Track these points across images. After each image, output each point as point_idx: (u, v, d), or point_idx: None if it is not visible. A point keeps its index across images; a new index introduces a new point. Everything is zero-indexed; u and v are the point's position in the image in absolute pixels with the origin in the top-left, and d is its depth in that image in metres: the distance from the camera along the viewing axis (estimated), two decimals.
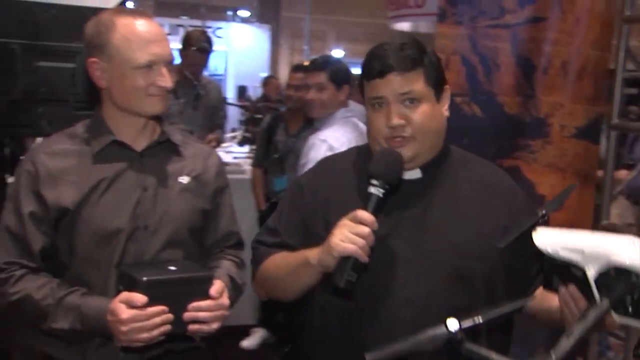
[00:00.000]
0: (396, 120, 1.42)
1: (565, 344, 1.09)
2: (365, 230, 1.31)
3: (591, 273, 1.15)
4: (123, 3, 2.41)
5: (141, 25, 1.55)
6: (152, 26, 1.57)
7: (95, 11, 2.25)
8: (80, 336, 1.50)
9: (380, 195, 1.36)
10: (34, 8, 2.23)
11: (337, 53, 17.18)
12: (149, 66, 1.54)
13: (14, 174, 1.64)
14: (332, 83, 2.98)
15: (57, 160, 1.57)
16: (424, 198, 1.48)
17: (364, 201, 1.37)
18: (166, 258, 1.59)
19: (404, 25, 10.29)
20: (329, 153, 2.64)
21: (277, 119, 3.88)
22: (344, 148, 2.17)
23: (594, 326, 1.13)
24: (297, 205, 1.61)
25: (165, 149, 1.67)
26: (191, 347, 1.62)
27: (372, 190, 1.37)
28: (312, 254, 1.41)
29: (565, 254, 1.19)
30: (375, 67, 1.45)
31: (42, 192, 1.54)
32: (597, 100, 2.83)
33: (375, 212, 1.35)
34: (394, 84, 1.43)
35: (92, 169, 1.58)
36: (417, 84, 1.44)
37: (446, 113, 1.52)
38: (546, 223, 1.36)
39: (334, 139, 2.81)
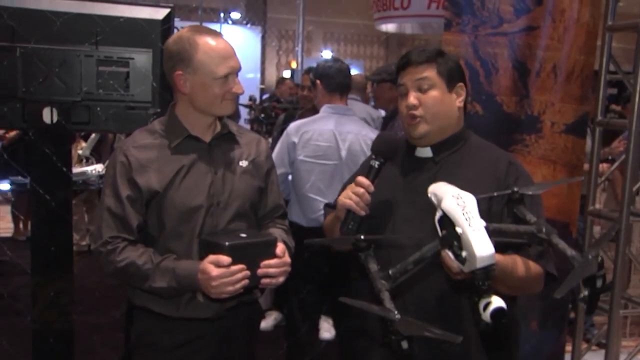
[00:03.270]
0: (412, 100, 1.80)
1: (400, 266, 1.39)
2: (361, 190, 1.70)
3: (437, 215, 1.44)
4: (170, 16, 2.68)
5: (219, 44, 1.88)
6: (226, 43, 1.91)
7: (150, 22, 2.62)
8: (174, 292, 1.84)
9: (376, 166, 1.76)
10: (97, 20, 2.52)
11: (327, 54, 17.53)
12: (226, 77, 1.87)
13: (108, 165, 1.97)
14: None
15: (144, 152, 1.91)
16: (430, 173, 1.83)
17: (367, 171, 1.76)
18: (234, 228, 1.93)
19: (390, 27, 10.64)
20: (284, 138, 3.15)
21: (291, 118, 4.20)
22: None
23: (425, 258, 1.40)
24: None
25: (226, 139, 2.00)
26: (254, 299, 2.01)
27: (371, 162, 1.77)
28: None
29: (433, 198, 1.50)
30: (401, 62, 1.86)
31: (135, 178, 1.87)
32: (583, 100, 3.19)
33: (373, 179, 1.74)
34: (411, 74, 1.82)
35: (172, 159, 1.91)
36: (429, 73, 1.81)
37: (459, 104, 1.88)
38: (521, 199, 1.61)
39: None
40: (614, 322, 3.11)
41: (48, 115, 2.52)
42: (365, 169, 1.78)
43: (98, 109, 2.59)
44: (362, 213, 1.70)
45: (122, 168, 1.89)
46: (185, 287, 1.83)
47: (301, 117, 3.90)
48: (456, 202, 1.37)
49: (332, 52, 17.31)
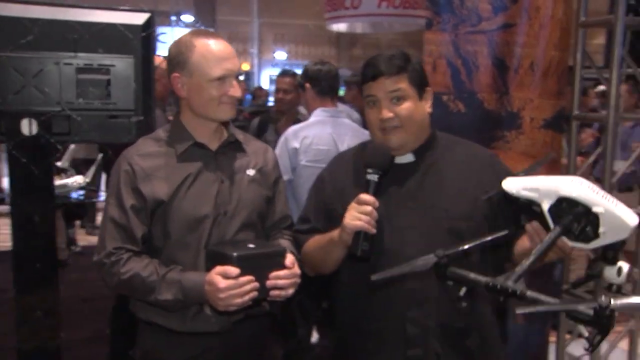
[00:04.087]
0: (385, 114, 1.77)
1: (526, 262, 1.38)
2: (368, 208, 1.65)
3: (545, 206, 1.44)
4: (151, 21, 2.60)
5: (215, 45, 1.83)
6: (224, 45, 1.85)
7: (130, 28, 2.54)
8: (181, 305, 1.78)
9: (376, 179, 1.71)
10: (76, 26, 2.43)
11: (280, 55, 17.49)
12: (222, 79, 1.82)
13: (111, 174, 1.89)
14: None
15: (149, 160, 1.84)
16: (417, 176, 1.82)
17: (365, 187, 1.71)
18: (241, 238, 1.87)
19: (341, 26, 10.68)
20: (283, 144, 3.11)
21: (265, 121, 4.14)
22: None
23: (549, 247, 1.42)
24: (320, 195, 1.95)
25: (233, 147, 1.95)
26: (263, 312, 1.94)
27: (369, 177, 1.72)
28: (335, 234, 1.75)
29: (525, 193, 1.49)
30: (369, 72, 1.81)
31: (140, 187, 1.81)
32: (560, 95, 3.25)
33: (375, 193, 1.69)
34: (384, 86, 1.78)
35: (177, 167, 1.85)
36: (402, 84, 1.79)
37: (429, 109, 1.87)
38: None
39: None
40: None
41: (27, 126, 2.41)
42: (363, 185, 1.73)
43: (79, 118, 2.49)
44: (374, 231, 1.66)
45: (126, 177, 1.83)
46: (192, 299, 1.77)
47: (285, 121, 3.86)
48: (581, 186, 1.41)
49: (285, 52, 17.29)
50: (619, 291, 1.48)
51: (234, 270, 1.70)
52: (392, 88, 1.77)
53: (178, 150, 1.87)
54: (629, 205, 1.47)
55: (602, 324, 1.16)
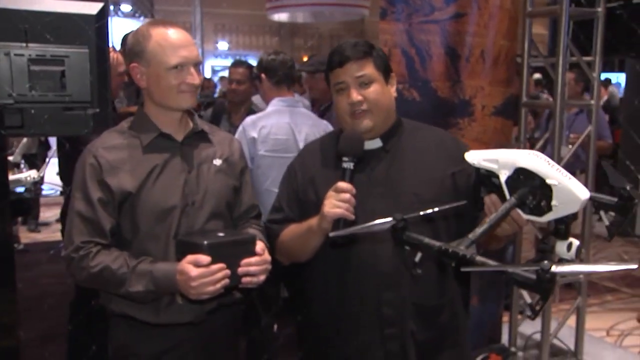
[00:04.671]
0: (355, 97, 1.80)
1: (479, 229, 1.40)
2: (346, 196, 1.69)
3: (503, 177, 1.49)
4: (104, 10, 2.54)
5: (172, 34, 1.81)
6: (181, 34, 1.83)
7: (83, 17, 2.48)
8: (152, 296, 1.76)
9: (351, 167, 1.74)
10: (28, 16, 2.35)
11: (222, 45, 17.29)
12: (179, 67, 1.80)
13: (76, 167, 1.85)
14: None
15: (114, 153, 1.82)
16: (385, 162, 1.87)
17: (340, 174, 1.74)
18: (211, 228, 1.87)
19: (282, 16, 10.66)
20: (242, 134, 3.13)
21: (219, 112, 4.11)
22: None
23: (503, 217, 1.47)
24: (292, 184, 1.97)
25: (199, 137, 1.93)
26: (235, 301, 1.94)
27: (345, 165, 1.75)
28: (313, 222, 1.77)
29: (485, 164, 1.54)
30: (336, 59, 1.84)
31: (106, 180, 1.78)
32: (509, 83, 3.35)
33: (350, 180, 1.73)
34: (351, 71, 1.81)
35: (143, 158, 1.83)
36: (369, 69, 1.82)
37: (394, 94, 1.92)
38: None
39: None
40: None
41: None
42: (339, 173, 1.75)
43: (32, 111, 2.40)
44: (353, 217, 1.68)
45: (92, 170, 1.79)
46: (164, 289, 1.75)
47: (240, 112, 3.83)
48: (537, 158, 1.43)
49: (227, 43, 17.11)
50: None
51: (205, 258, 1.68)
52: (359, 73, 1.81)
53: (143, 141, 1.84)
54: None
55: (543, 288, 1.16)
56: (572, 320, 3.64)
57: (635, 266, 1.25)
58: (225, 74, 7.90)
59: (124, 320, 1.85)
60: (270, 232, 1.99)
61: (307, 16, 10.87)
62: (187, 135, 1.91)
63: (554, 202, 1.41)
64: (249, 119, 3.21)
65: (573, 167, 4.82)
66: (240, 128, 3.18)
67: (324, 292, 1.91)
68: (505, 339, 3.69)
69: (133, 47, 1.83)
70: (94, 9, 2.54)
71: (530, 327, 3.67)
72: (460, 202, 1.61)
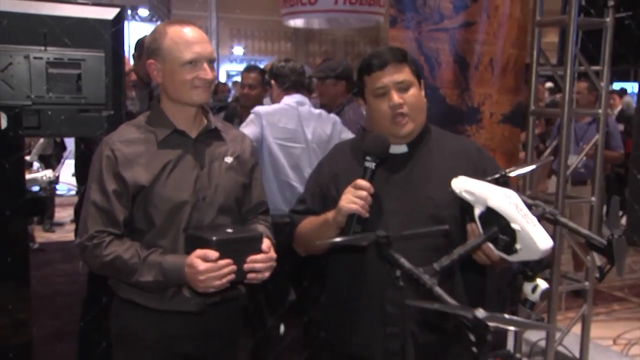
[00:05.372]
0: (397, 99, 1.84)
1: (445, 260, 1.45)
2: (364, 193, 1.73)
3: (477, 212, 1.53)
4: (121, 16, 2.62)
5: (187, 31, 1.89)
6: (195, 31, 1.91)
7: (100, 22, 2.55)
8: (161, 286, 1.84)
9: (373, 167, 1.79)
10: (47, 21, 2.43)
11: (238, 50, 17.42)
12: (193, 62, 1.87)
13: (93, 158, 1.93)
14: None
15: (130, 146, 1.89)
16: (407, 166, 1.91)
17: (362, 173, 1.78)
18: (219, 223, 1.94)
19: (298, 22, 10.74)
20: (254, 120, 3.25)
21: (231, 115, 4.18)
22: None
23: (471, 251, 1.50)
24: (318, 179, 2.04)
25: (212, 134, 2.00)
26: (238, 295, 2.02)
27: (367, 164, 1.79)
28: (329, 215, 1.82)
29: (465, 195, 1.57)
30: (376, 62, 1.88)
31: (122, 173, 1.85)
32: (517, 91, 3.39)
33: (370, 180, 1.77)
34: (392, 75, 1.85)
35: (158, 153, 1.90)
36: (407, 73, 1.87)
37: (424, 99, 1.95)
38: (505, 182, 1.71)
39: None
40: (554, 298, 3.32)
41: None
42: (360, 171, 1.79)
43: (49, 112, 2.49)
44: (367, 215, 1.73)
45: (108, 162, 1.87)
46: (172, 281, 1.82)
47: (245, 113, 3.91)
48: (508, 200, 1.45)
49: (242, 48, 17.22)
50: (532, 308, 1.54)
51: (213, 253, 1.75)
52: (399, 78, 1.85)
53: (159, 137, 1.91)
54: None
55: (478, 334, 1.23)
56: (578, 328, 3.66)
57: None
58: (239, 79, 8.03)
59: (129, 305, 1.92)
60: (291, 222, 2.05)
61: (322, 22, 10.95)
62: (201, 132, 1.97)
63: (517, 246, 1.43)
64: (260, 107, 3.32)
65: (584, 177, 4.84)
66: (252, 114, 3.27)
67: (334, 290, 1.97)
68: (510, 345, 3.71)
69: (150, 44, 1.91)
70: (110, 14, 2.63)
71: (536, 334, 3.70)
72: (444, 226, 1.68)
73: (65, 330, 3.74)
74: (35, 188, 3.69)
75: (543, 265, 1.48)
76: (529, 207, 1.53)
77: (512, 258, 1.46)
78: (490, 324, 1.24)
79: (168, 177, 1.88)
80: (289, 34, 18.47)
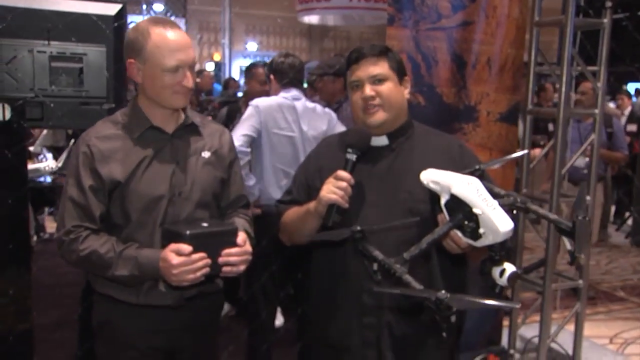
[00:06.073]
0: (368, 92, 1.92)
1: (414, 249, 1.52)
2: (344, 184, 1.80)
3: (442, 200, 1.58)
4: (123, 11, 2.70)
5: (171, 35, 1.89)
6: (179, 35, 1.91)
7: (102, 18, 2.63)
8: (136, 280, 1.88)
9: (354, 159, 1.86)
10: (51, 16, 2.51)
11: (251, 46, 17.51)
12: (175, 69, 1.89)
13: (71, 154, 1.98)
14: None
15: (107, 142, 1.92)
16: (388, 159, 1.98)
17: (344, 165, 1.86)
18: (196, 217, 1.97)
19: (313, 18, 10.79)
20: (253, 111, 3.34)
21: (234, 110, 4.25)
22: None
23: (439, 239, 1.56)
24: (304, 171, 2.12)
25: (189, 130, 2.03)
26: (215, 289, 2.07)
27: (348, 156, 1.86)
28: (311, 205, 1.90)
29: (432, 186, 1.63)
30: (353, 56, 1.97)
31: (98, 169, 1.89)
32: (515, 90, 3.42)
33: (351, 171, 1.84)
34: (366, 67, 1.94)
35: (134, 150, 1.93)
36: (383, 68, 1.95)
37: (407, 96, 2.04)
38: (482, 175, 1.76)
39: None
40: (547, 295, 3.36)
41: (0, 112, 2.49)
42: (341, 163, 1.86)
43: (52, 105, 2.57)
44: (346, 205, 1.80)
45: (85, 158, 1.90)
46: (147, 275, 1.86)
47: None
48: (468, 186, 1.51)
49: (256, 44, 17.30)
50: (500, 292, 1.58)
51: (186, 247, 1.79)
52: (374, 72, 1.93)
53: (135, 133, 1.94)
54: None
55: (442, 315, 1.35)
56: (571, 325, 3.69)
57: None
58: None
59: (106, 299, 1.97)
60: (277, 212, 2.12)
61: (337, 19, 10.99)
62: (178, 127, 2.00)
63: (481, 230, 1.49)
64: (259, 99, 3.38)
65: (586, 177, 4.85)
66: (250, 106, 3.35)
67: (319, 282, 2.04)
68: (505, 341, 3.75)
69: (132, 43, 1.91)
70: (112, 10, 2.70)
71: (530, 331, 3.73)
72: (415, 218, 1.76)
73: (66, 319, 3.83)
74: (43, 178, 3.78)
75: (507, 247, 1.52)
76: (501, 196, 1.58)
77: (479, 243, 1.52)
78: (453, 304, 1.31)
79: (144, 173, 1.91)
80: (303, 31, 18.54)
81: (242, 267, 1.91)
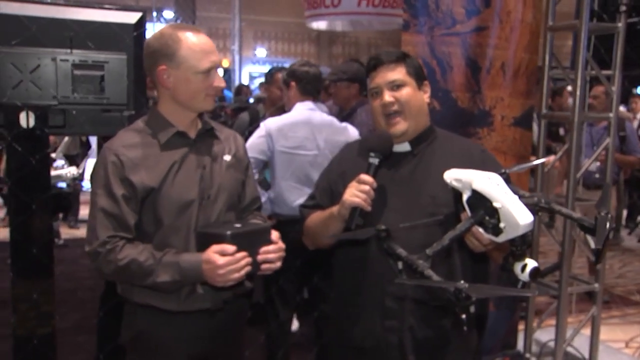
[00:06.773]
0: (386, 98, 1.93)
1: (436, 245, 1.53)
2: (366, 187, 1.82)
3: (465, 197, 1.58)
4: (142, 20, 2.74)
5: (200, 38, 1.93)
6: (207, 39, 1.96)
7: (123, 26, 2.68)
8: (177, 286, 1.90)
9: (377, 163, 1.88)
10: (73, 25, 2.55)
11: (260, 52, 17.59)
12: (208, 71, 1.93)
13: (96, 165, 1.99)
14: None
15: (134, 150, 1.93)
16: (410, 165, 1.99)
17: (366, 169, 1.87)
18: (226, 220, 2.01)
19: (321, 24, 10.82)
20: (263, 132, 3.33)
21: (256, 118, 4.29)
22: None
23: (460, 235, 1.56)
24: (327, 176, 2.14)
25: (208, 135, 2.06)
26: (247, 290, 2.09)
27: (370, 160, 1.88)
28: (334, 208, 1.91)
29: (455, 184, 1.64)
30: (371, 63, 1.99)
31: (129, 177, 1.89)
32: (529, 95, 3.44)
33: (373, 175, 1.86)
34: (384, 74, 1.95)
35: (162, 155, 1.95)
36: (401, 73, 1.96)
37: (427, 100, 2.04)
38: (507, 179, 1.72)
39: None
40: (563, 298, 3.37)
41: (24, 119, 2.53)
42: (364, 167, 1.88)
43: (74, 112, 2.61)
44: (369, 209, 1.82)
45: (114, 167, 1.90)
46: (189, 279, 1.88)
47: (273, 114, 4.00)
48: (488, 181, 1.53)
49: (265, 50, 17.39)
50: (523, 288, 1.58)
51: (230, 247, 1.82)
52: (391, 78, 1.94)
53: (161, 139, 1.95)
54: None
55: (461, 305, 1.36)
56: (587, 329, 3.69)
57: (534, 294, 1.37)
58: (263, 80, 8.18)
59: (143, 309, 1.97)
60: (301, 216, 2.14)
61: (346, 25, 11.02)
62: (199, 132, 2.02)
63: (501, 224, 1.49)
64: (270, 118, 3.39)
65: (599, 181, 4.86)
66: (261, 126, 3.36)
67: (341, 283, 2.06)
68: (520, 345, 3.76)
69: (161, 49, 1.92)
70: (132, 18, 2.74)
71: (546, 335, 3.74)
72: (439, 217, 1.77)
73: (86, 323, 3.87)
74: (62, 184, 3.83)
75: (528, 241, 1.53)
76: (525, 197, 1.59)
77: (500, 238, 1.52)
78: (472, 293, 1.34)
79: (175, 178, 1.93)
80: (312, 36, 18.62)
81: (279, 264, 1.95)
